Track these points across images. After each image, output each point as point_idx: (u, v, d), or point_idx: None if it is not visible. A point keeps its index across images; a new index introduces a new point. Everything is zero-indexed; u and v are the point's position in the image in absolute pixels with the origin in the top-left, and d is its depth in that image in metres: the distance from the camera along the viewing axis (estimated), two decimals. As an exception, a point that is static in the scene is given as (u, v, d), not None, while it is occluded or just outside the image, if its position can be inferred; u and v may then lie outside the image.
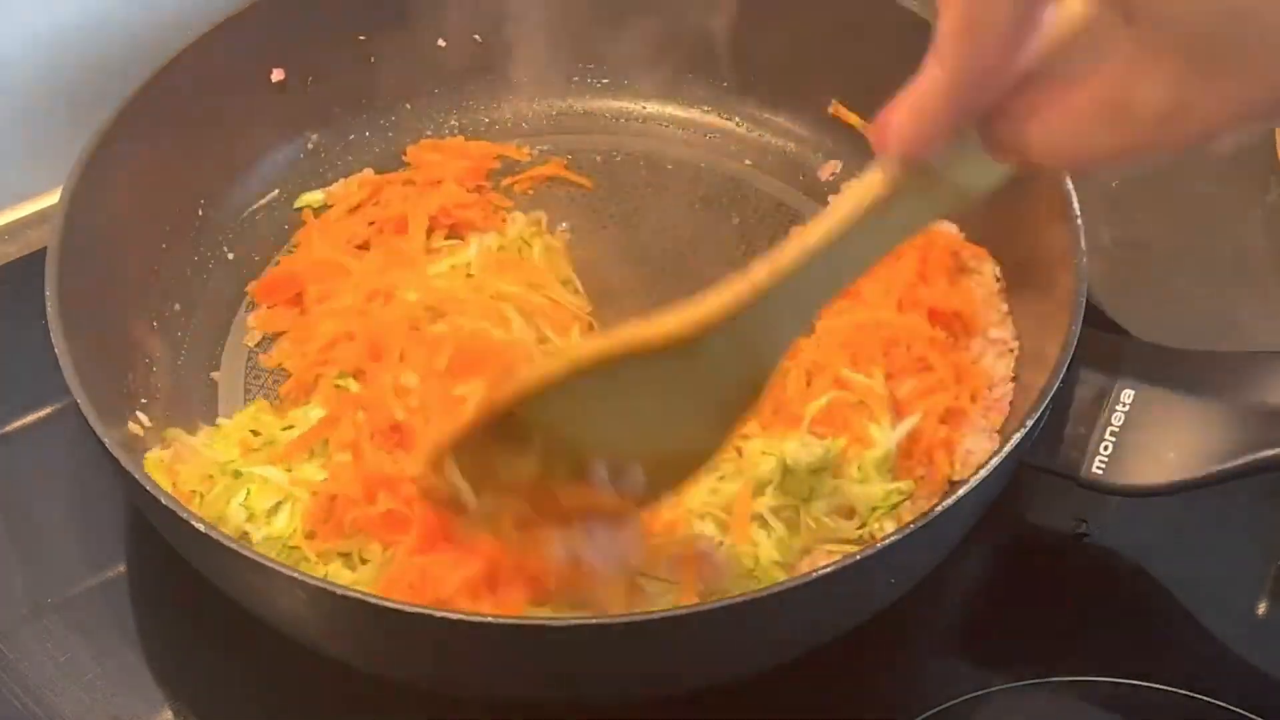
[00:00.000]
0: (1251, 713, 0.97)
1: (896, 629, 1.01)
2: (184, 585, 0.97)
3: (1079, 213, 1.02)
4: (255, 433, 1.04)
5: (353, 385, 1.06)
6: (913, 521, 0.88)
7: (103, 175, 1.06)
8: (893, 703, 0.99)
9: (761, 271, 0.75)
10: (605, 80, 1.29)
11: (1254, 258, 1.23)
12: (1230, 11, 0.59)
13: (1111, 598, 1.04)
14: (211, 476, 1.00)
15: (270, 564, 0.86)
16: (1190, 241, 1.24)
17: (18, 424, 1.12)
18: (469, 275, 1.13)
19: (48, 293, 0.98)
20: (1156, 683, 0.98)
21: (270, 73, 1.20)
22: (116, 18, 1.22)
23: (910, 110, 0.68)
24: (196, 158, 1.16)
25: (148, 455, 1.02)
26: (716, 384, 0.80)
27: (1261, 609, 1.04)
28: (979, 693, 0.98)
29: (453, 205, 1.18)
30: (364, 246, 1.17)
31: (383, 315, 1.09)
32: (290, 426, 1.04)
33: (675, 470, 0.87)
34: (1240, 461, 0.95)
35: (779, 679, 0.97)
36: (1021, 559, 1.06)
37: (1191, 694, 0.98)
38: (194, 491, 0.99)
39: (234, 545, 0.87)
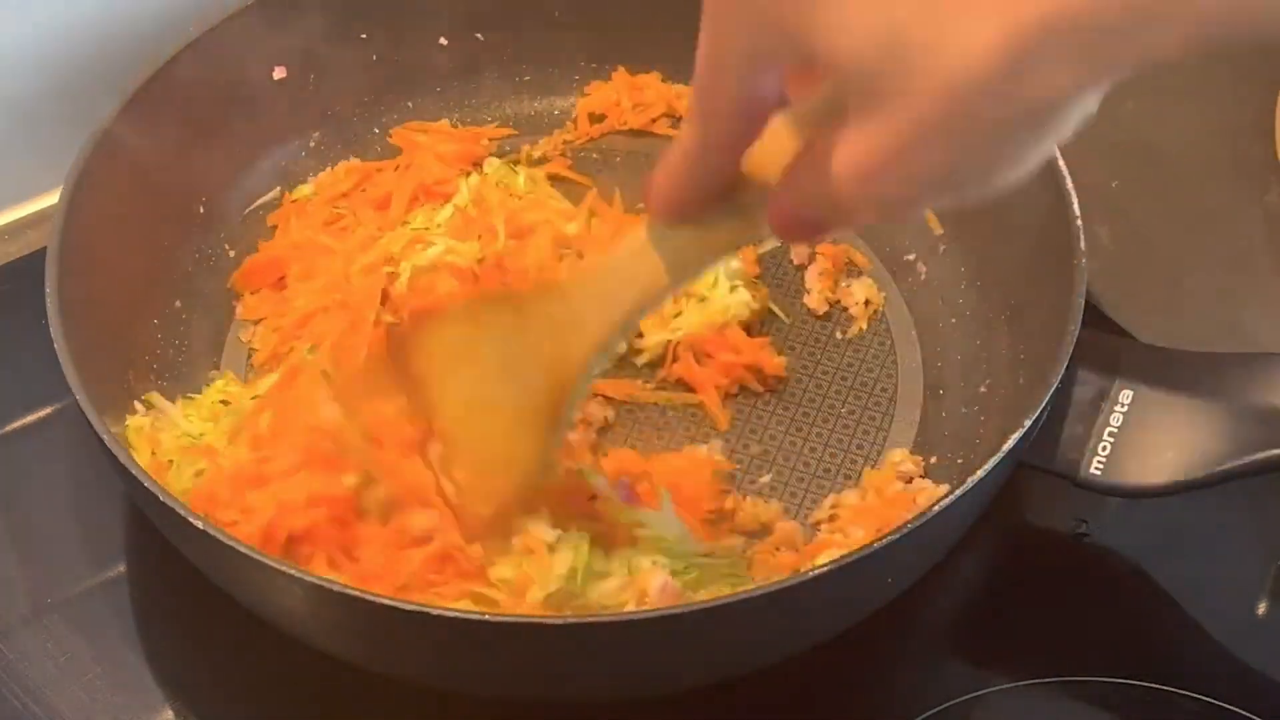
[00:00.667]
0: (1251, 713, 0.97)
1: (896, 629, 1.01)
2: (184, 584, 0.97)
3: (1079, 214, 1.02)
4: (225, 403, 1.05)
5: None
6: (910, 521, 0.88)
7: (103, 174, 1.06)
8: (893, 702, 1.00)
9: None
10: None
11: (1254, 258, 1.23)
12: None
13: (1111, 598, 1.04)
14: (187, 450, 1.01)
15: (268, 561, 0.86)
16: (1190, 241, 1.24)
17: (18, 424, 1.12)
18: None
19: (48, 291, 0.98)
20: (1156, 683, 0.98)
21: (272, 70, 1.20)
22: (117, 17, 1.22)
23: (665, 175, 0.76)
24: (197, 155, 1.16)
25: (130, 421, 1.02)
26: (532, 368, 0.90)
27: (1261, 609, 1.04)
28: (979, 693, 0.98)
29: (433, 182, 1.19)
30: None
31: (360, 285, 1.10)
32: (257, 396, 1.05)
33: (493, 473, 0.94)
34: (1238, 462, 0.95)
35: (780, 678, 0.97)
36: (1021, 559, 1.06)
37: (1191, 694, 0.97)
38: (171, 461, 1.00)
39: (233, 543, 0.87)
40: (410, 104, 1.26)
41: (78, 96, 1.18)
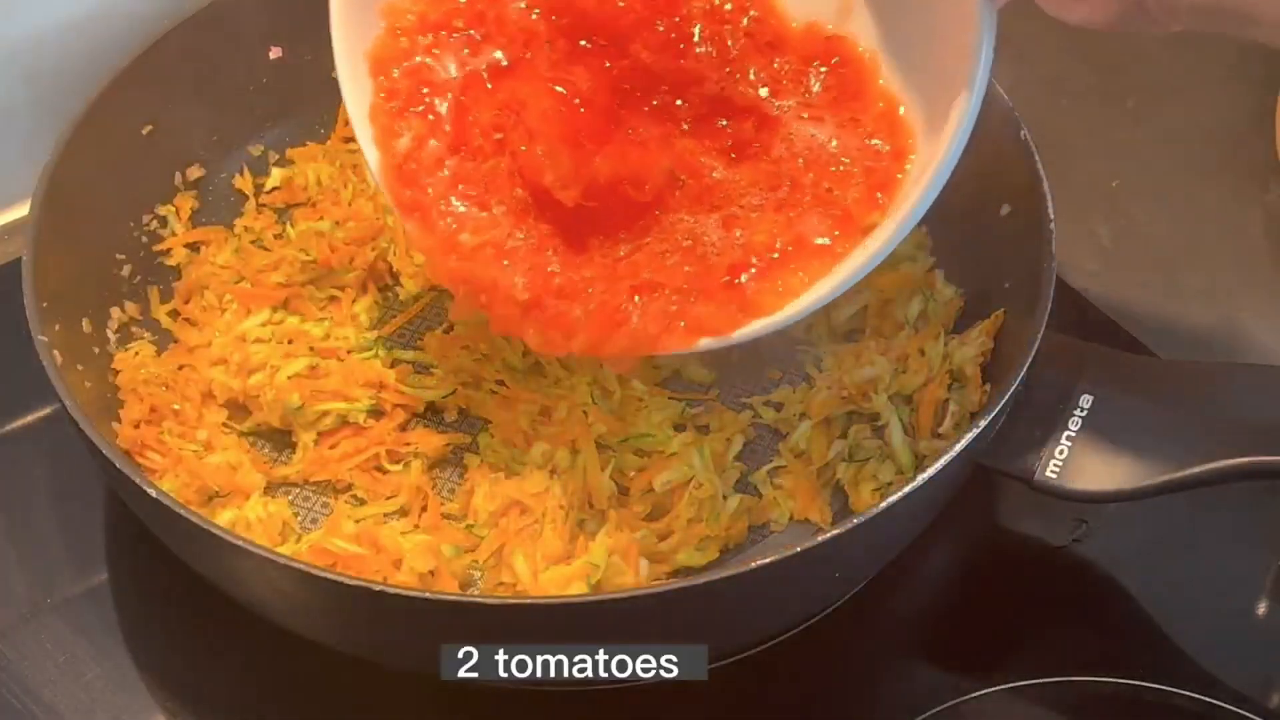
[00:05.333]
0: (1251, 713, 0.97)
1: (898, 629, 1.03)
2: (173, 584, 0.98)
3: (1052, 216, 1.01)
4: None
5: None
6: (856, 517, 0.88)
7: (82, 162, 1.06)
8: (894, 703, 1.00)
9: None
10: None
11: (1254, 258, 1.24)
12: None
13: (1112, 598, 1.04)
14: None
15: (256, 549, 0.87)
16: (1190, 241, 1.24)
17: (19, 423, 1.12)
18: None
19: (26, 299, 0.98)
20: (1156, 683, 0.98)
21: (268, 50, 1.20)
22: (110, 17, 1.21)
23: None
24: (187, 138, 1.17)
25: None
26: None
27: (1261, 609, 1.04)
28: (979, 693, 0.98)
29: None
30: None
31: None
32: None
33: None
34: (1193, 471, 0.94)
35: (781, 677, 0.98)
36: (1021, 560, 1.06)
37: (1191, 694, 0.97)
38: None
39: (221, 532, 0.87)
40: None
41: (71, 100, 1.17)
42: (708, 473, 1.02)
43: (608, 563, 0.95)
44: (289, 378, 1.06)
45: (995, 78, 1.08)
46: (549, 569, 0.95)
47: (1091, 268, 1.20)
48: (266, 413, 1.06)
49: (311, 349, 1.08)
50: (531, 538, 0.97)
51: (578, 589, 0.94)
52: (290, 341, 1.09)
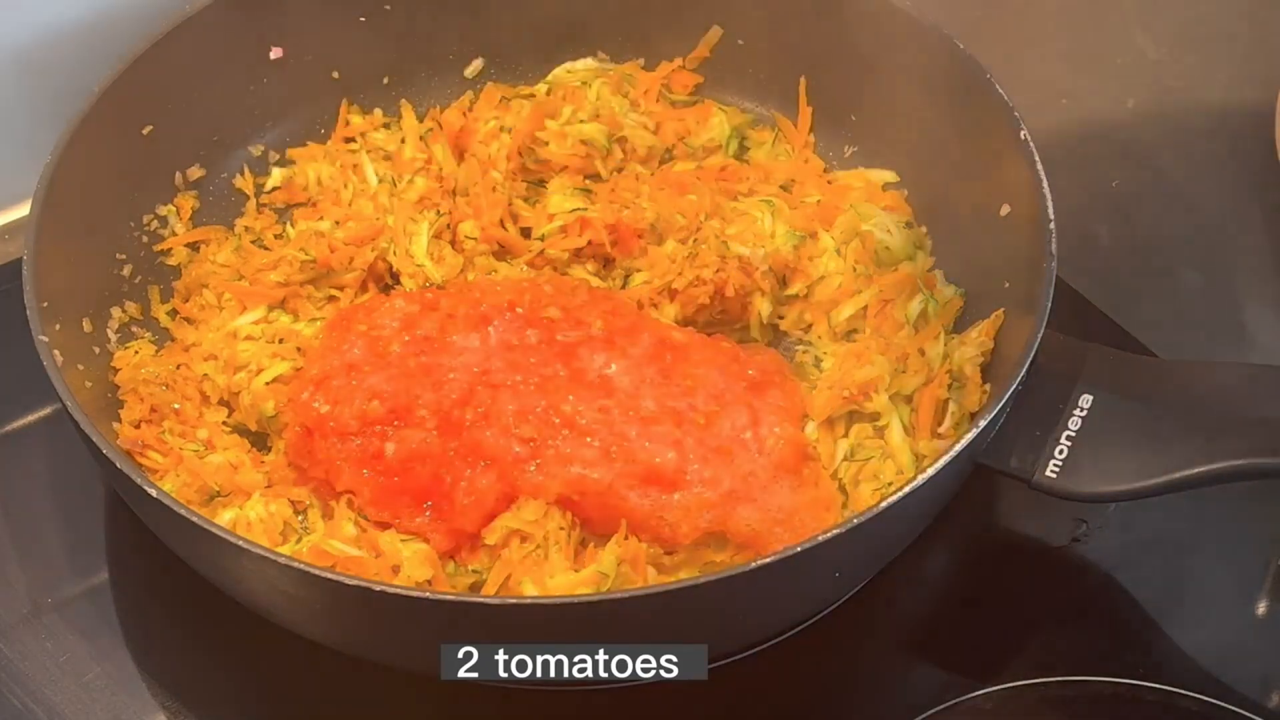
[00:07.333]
0: (1251, 713, 0.97)
1: (898, 629, 1.03)
2: (173, 584, 0.98)
3: (1052, 216, 1.01)
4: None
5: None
6: (855, 517, 0.88)
7: (83, 162, 1.06)
8: (894, 703, 1.00)
9: None
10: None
11: (1254, 258, 1.24)
12: None
13: (1112, 598, 1.04)
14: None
15: (256, 549, 0.87)
16: (1190, 241, 1.24)
17: (19, 423, 1.12)
18: None
19: (26, 299, 0.98)
20: (1156, 683, 0.98)
21: (269, 50, 1.19)
22: (105, 16, 1.21)
23: None
24: (187, 138, 1.17)
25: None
26: None
27: (1261, 609, 1.04)
28: (979, 693, 0.98)
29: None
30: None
31: None
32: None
33: None
34: (1193, 471, 0.94)
35: (781, 677, 0.98)
36: (1021, 561, 1.06)
37: (1191, 694, 0.98)
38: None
39: (221, 532, 0.87)
40: (401, 87, 1.25)
41: (71, 100, 1.17)
42: None
43: (617, 571, 0.95)
44: (268, 383, 1.06)
45: (996, 78, 1.08)
46: (557, 575, 0.95)
47: (1092, 268, 1.20)
48: (244, 414, 1.06)
49: (299, 350, 1.08)
50: (537, 563, 0.97)
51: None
52: (280, 340, 1.09)
